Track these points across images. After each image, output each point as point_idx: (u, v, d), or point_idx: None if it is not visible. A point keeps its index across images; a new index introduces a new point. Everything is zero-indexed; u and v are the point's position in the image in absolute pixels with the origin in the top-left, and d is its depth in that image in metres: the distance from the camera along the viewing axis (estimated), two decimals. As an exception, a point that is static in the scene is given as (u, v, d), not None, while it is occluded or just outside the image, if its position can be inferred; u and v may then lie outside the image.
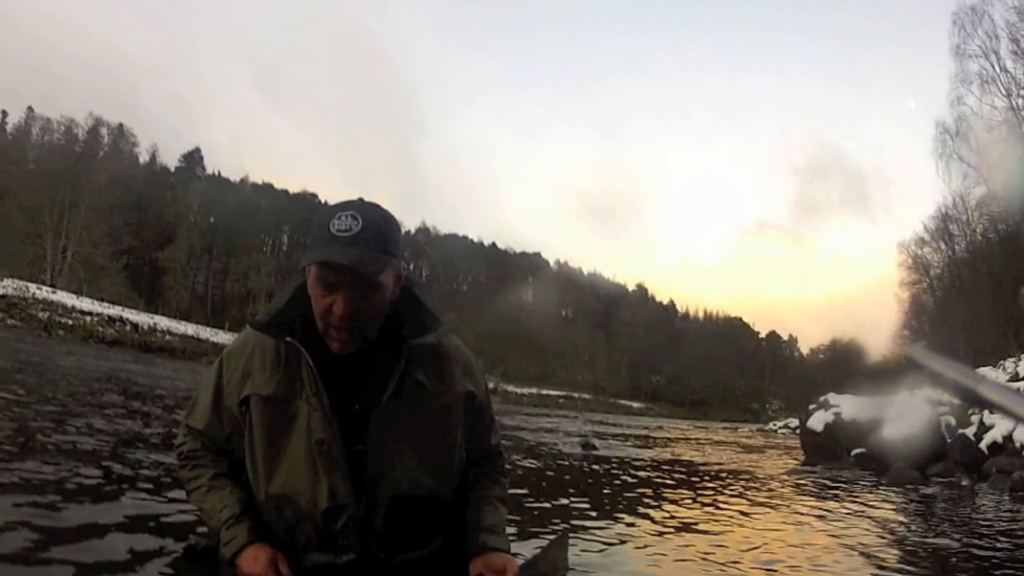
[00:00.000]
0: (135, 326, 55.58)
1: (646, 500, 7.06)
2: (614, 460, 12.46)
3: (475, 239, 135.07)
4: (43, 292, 56.84)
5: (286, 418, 2.67)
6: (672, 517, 6.09)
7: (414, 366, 2.73)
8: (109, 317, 55.12)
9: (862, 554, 4.85)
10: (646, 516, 5.96)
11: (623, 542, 4.68)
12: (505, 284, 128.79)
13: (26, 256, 72.87)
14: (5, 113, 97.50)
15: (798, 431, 19.03)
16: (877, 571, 4.38)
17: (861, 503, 7.77)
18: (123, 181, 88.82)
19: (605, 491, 7.98)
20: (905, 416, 13.90)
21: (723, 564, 4.25)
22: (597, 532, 4.90)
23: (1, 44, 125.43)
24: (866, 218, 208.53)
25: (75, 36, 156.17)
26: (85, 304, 57.70)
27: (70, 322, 48.08)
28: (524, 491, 6.55)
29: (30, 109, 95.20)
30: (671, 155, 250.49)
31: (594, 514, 5.89)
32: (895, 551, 5.09)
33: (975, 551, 5.60)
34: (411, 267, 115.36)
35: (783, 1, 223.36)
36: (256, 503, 2.77)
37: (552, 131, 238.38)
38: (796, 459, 16.02)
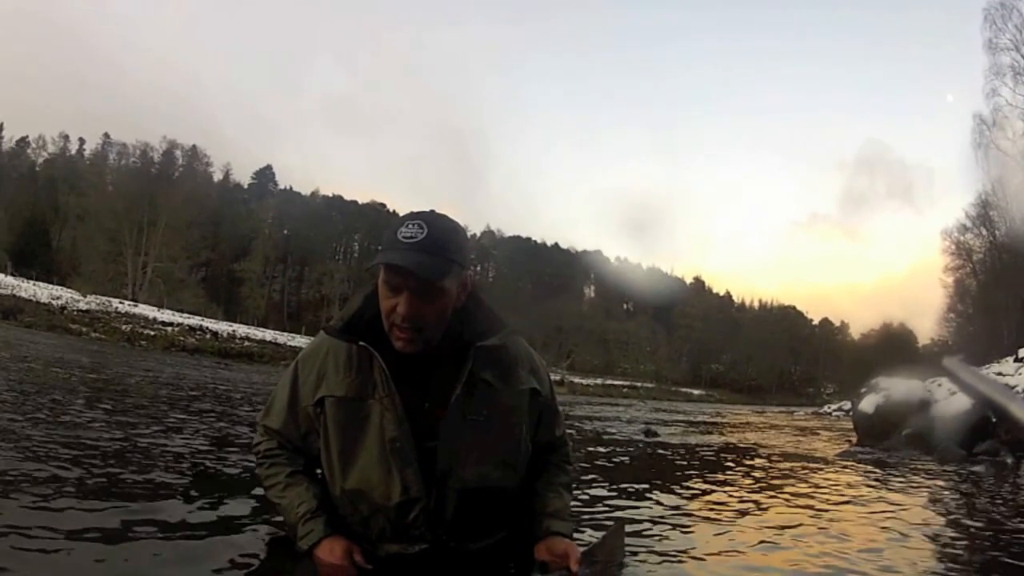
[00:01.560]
0: (215, 334, 55.56)
1: (705, 484, 6.99)
2: (675, 446, 12.44)
3: (538, 240, 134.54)
4: (125, 306, 57.69)
5: (360, 418, 2.76)
6: (730, 501, 6.03)
7: (480, 366, 2.79)
8: (189, 327, 55.34)
9: (909, 533, 4.70)
10: (705, 500, 5.93)
11: (681, 527, 4.61)
12: (568, 281, 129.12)
13: (107, 273, 74.29)
14: (83, 141, 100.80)
15: (851, 413, 18.86)
16: (924, 549, 4.25)
17: (910, 482, 7.67)
18: (198, 199, 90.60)
19: (665, 476, 7.91)
20: (951, 397, 13.73)
21: (778, 547, 4.13)
22: (656, 517, 4.83)
23: (79, 76, 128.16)
24: (911, 207, 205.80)
25: (148, 65, 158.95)
26: (166, 316, 58.16)
27: (152, 333, 48.53)
28: (589, 476, 6.56)
29: (106, 135, 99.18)
30: (722, 153, 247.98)
31: (654, 499, 5.82)
32: (941, 529, 4.97)
33: (1018, 526, 5.46)
34: (479, 268, 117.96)
35: (827, 5, 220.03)
36: (332, 498, 2.87)
37: (607, 132, 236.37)
38: (849, 440, 15.71)
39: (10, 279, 53.95)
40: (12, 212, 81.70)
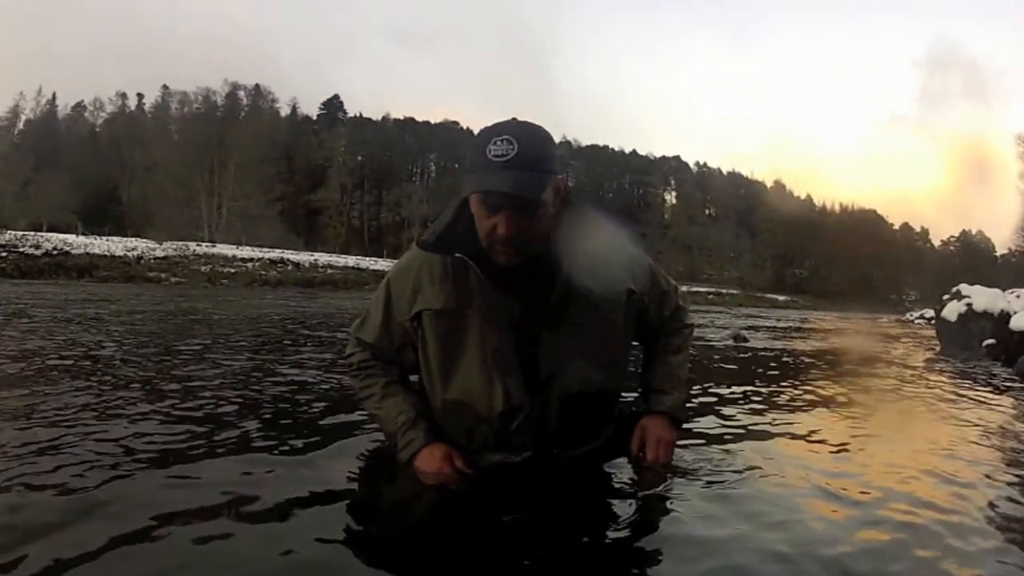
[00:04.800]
0: (296, 265, 56.12)
1: (794, 390, 6.84)
2: (765, 351, 12.85)
3: (615, 148, 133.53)
4: (203, 248, 57.39)
5: (459, 329, 2.71)
6: (819, 404, 6.08)
7: (576, 269, 2.67)
8: (270, 260, 55.74)
9: (973, 447, 4.52)
10: (794, 406, 5.87)
11: (770, 431, 4.52)
12: (648, 188, 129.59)
13: (182, 219, 75.70)
14: (141, 96, 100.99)
15: (933, 321, 18.71)
16: (986, 462, 4.04)
17: (986, 395, 7.39)
18: (267, 135, 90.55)
19: (757, 379, 7.95)
20: None
21: (863, 451, 4.04)
22: (748, 419, 4.88)
23: (130, 34, 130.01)
24: (986, 109, 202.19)
25: (199, 13, 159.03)
26: (245, 252, 57.41)
27: (232, 270, 48.98)
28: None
29: (165, 87, 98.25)
30: (800, 51, 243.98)
31: (747, 400, 5.97)
32: (1002, 446, 4.74)
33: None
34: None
35: None
36: (433, 411, 2.85)
37: (682, 34, 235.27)
38: (932, 349, 15.55)
39: (81, 239, 53.32)
40: (77, 175, 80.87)
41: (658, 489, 2.82)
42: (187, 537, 2.20)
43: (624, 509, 2.63)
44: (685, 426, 3.74)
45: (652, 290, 3.03)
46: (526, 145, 2.47)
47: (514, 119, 2.60)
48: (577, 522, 2.53)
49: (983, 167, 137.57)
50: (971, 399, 6.96)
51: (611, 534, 2.44)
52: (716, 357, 10.46)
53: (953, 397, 7.13)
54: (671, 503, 2.69)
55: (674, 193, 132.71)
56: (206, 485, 2.71)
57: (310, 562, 2.12)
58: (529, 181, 2.45)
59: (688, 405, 3.53)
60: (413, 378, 3.01)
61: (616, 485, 2.84)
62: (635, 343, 3.17)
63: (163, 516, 2.32)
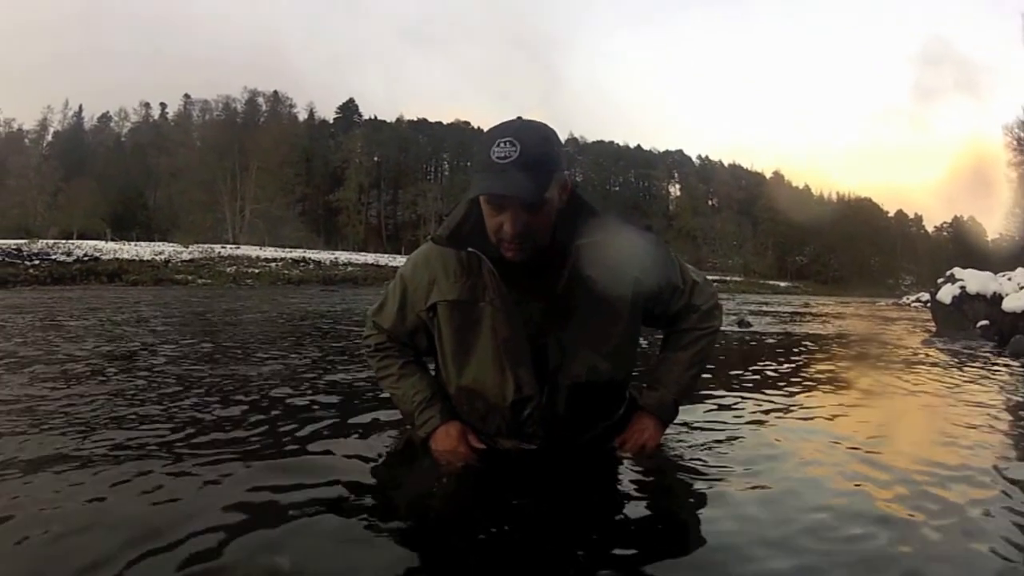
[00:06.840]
0: (318, 263, 55.95)
1: (795, 374, 6.87)
2: (768, 334, 13.04)
3: (620, 143, 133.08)
4: (227, 250, 57.46)
5: (472, 320, 2.75)
6: (820, 391, 5.98)
7: (583, 263, 2.68)
8: (292, 260, 55.70)
9: (965, 424, 4.59)
10: (796, 390, 5.79)
11: (774, 418, 4.43)
12: (653, 181, 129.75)
13: (207, 222, 76.52)
14: (164, 105, 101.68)
15: (929, 304, 18.74)
16: (982, 434, 4.14)
17: (979, 374, 7.43)
18: (287, 140, 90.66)
19: (759, 362, 8.03)
20: (1020, 291, 13.53)
21: (863, 439, 3.92)
22: (754, 408, 4.72)
23: (152, 47, 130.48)
24: (977, 102, 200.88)
25: (219, 25, 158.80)
26: (268, 253, 58.12)
27: (256, 271, 48.83)
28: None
29: (187, 96, 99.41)
30: (797, 41, 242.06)
31: (749, 383, 5.96)
32: (995, 422, 4.81)
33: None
34: (566, 174, 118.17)
35: None
36: (448, 396, 2.92)
37: (680, 24, 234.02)
38: (928, 331, 15.51)
39: (111, 244, 53.68)
40: (104, 183, 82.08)
41: (664, 478, 2.87)
42: (212, 531, 2.19)
43: (631, 497, 2.65)
44: (691, 415, 3.94)
45: (662, 283, 2.95)
46: (529, 146, 2.45)
47: (519, 118, 2.58)
48: (587, 510, 2.53)
49: (975, 157, 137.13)
50: (969, 379, 7.00)
51: (619, 522, 2.44)
52: (721, 340, 10.47)
53: (952, 377, 7.16)
54: (677, 492, 2.77)
55: (678, 186, 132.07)
56: (238, 475, 2.78)
57: (330, 546, 2.16)
58: (531, 182, 2.43)
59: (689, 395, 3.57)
60: (429, 363, 3.09)
61: (623, 474, 2.85)
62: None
63: (187, 511, 2.36)
